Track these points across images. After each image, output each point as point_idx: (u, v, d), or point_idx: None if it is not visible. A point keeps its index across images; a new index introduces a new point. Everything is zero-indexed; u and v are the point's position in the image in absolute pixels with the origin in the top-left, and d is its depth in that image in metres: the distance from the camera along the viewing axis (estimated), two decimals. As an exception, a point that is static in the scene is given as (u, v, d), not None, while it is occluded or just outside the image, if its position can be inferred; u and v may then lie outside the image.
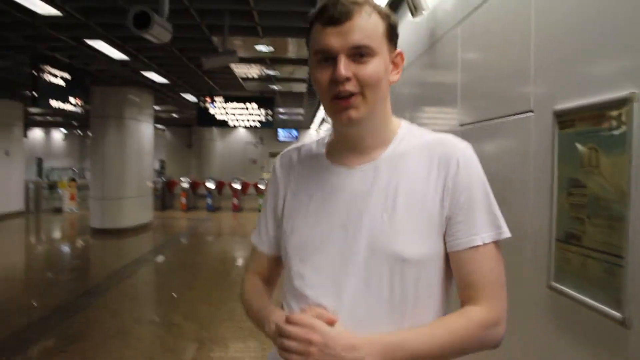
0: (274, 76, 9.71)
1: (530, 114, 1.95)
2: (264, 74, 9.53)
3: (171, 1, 4.91)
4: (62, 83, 8.13)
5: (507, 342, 1.10)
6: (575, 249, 1.58)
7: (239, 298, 1.31)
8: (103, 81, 10.32)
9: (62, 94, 8.25)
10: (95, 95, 10.81)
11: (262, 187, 15.99)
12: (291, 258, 1.16)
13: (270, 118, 11.61)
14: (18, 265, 8.38)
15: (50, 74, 7.79)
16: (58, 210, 15.28)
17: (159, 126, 22.08)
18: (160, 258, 8.97)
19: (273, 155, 22.70)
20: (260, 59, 8.17)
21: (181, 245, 10.64)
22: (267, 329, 1.11)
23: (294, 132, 23.05)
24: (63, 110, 8.37)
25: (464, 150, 1.12)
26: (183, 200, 16.05)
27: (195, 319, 5.19)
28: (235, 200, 16.07)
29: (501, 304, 1.08)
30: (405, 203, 1.07)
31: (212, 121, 11.68)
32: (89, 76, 9.58)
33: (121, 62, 8.21)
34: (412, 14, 3.45)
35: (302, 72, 9.30)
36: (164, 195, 16.20)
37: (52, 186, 17.44)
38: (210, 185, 16.28)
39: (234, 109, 11.44)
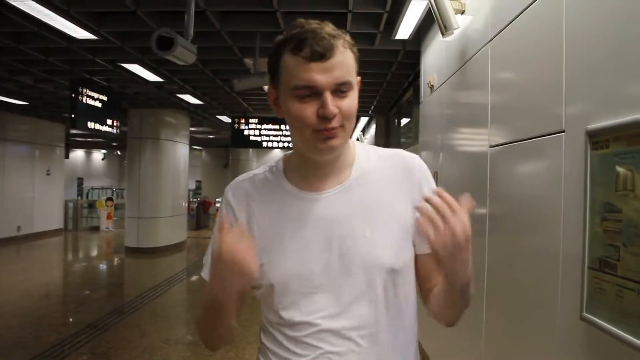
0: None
1: (562, 134, 1.86)
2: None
3: (202, 24, 4.99)
4: (99, 105, 8.31)
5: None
6: (609, 278, 1.48)
7: (196, 333, 1.25)
8: (140, 103, 10.54)
9: (99, 115, 8.43)
10: (133, 116, 11.07)
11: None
12: (280, 291, 1.14)
13: (303, 139, 11.60)
14: (53, 282, 8.52)
15: (88, 96, 7.99)
16: (95, 229, 15.57)
17: (196, 147, 22.43)
18: (192, 277, 8.99)
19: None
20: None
21: (213, 265, 10.64)
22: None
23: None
24: (99, 131, 8.54)
25: (418, 160, 1.24)
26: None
27: (223, 340, 5.10)
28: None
29: None
30: (382, 217, 1.14)
31: (247, 142, 11.74)
32: (127, 98, 9.79)
33: (156, 85, 8.36)
34: (442, 34, 3.39)
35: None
36: (199, 215, 16.36)
37: (91, 205, 17.81)
38: (244, 205, 16.34)
39: (269, 130, 11.51)
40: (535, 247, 2.12)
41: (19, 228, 12.33)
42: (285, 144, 11.65)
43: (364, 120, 13.68)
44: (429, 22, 4.50)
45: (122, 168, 25.37)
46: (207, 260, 1.22)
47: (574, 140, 1.74)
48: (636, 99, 1.41)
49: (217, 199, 16.59)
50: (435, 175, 3.95)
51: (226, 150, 21.79)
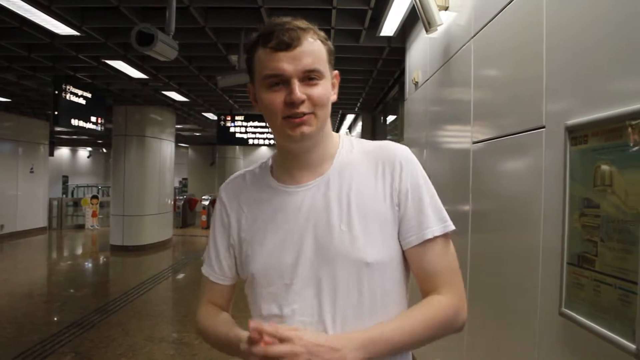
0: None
1: (542, 130, 1.86)
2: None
3: (186, 20, 4.96)
4: (83, 102, 8.23)
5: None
6: (587, 274, 1.48)
7: (195, 329, 1.31)
8: (125, 100, 10.45)
9: (83, 112, 8.35)
10: (118, 114, 10.98)
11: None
12: (259, 282, 1.18)
13: (289, 136, 11.58)
14: (36, 281, 8.42)
15: (72, 93, 7.91)
16: (80, 227, 15.44)
17: (182, 144, 22.30)
18: (177, 275, 8.94)
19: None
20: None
21: (199, 262, 10.54)
22: (242, 349, 1.06)
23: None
24: (83, 128, 8.46)
25: (403, 152, 1.20)
26: (203, 217, 16.08)
27: (207, 338, 5.08)
28: (255, 218, 16.03)
29: (460, 289, 1.17)
30: (359, 211, 1.14)
31: (232, 139, 11.71)
32: (111, 95, 9.70)
33: (141, 82, 8.29)
34: (426, 30, 3.39)
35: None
36: (185, 213, 16.28)
37: (76, 203, 17.66)
38: (231, 203, 16.26)
39: (255, 127, 11.48)
40: (516, 243, 2.13)
41: (2, 227, 12.20)
42: (272, 142, 11.62)
43: (350, 117, 13.68)
44: (414, 18, 4.49)
45: (108, 166, 25.09)
46: (207, 257, 1.30)
47: (554, 136, 1.74)
48: (614, 94, 1.41)
49: (203, 197, 16.48)
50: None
51: (213, 147, 21.67)
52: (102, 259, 10.72)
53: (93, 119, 8.76)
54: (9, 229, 12.44)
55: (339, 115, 13.14)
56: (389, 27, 4.92)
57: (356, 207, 1.14)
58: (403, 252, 1.17)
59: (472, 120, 2.79)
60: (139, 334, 5.41)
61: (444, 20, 3.34)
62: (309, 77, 1.10)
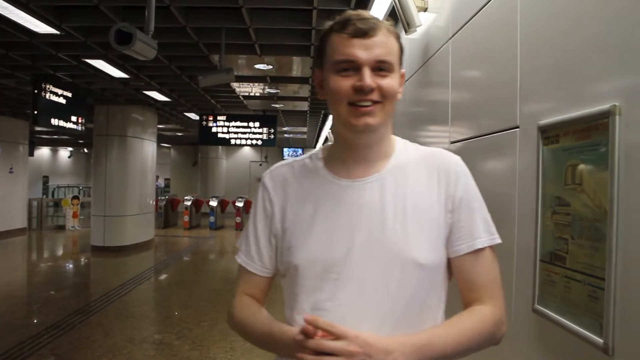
0: (275, 94, 9.72)
1: (517, 130, 1.89)
2: (265, 92, 9.53)
3: (167, 20, 4.94)
4: (63, 101, 8.15)
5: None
6: (559, 270, 1.51)
7: (227, 320, 1.28)
8: (106, 99, 10.37)
9: (63, 112, 8.28)
10: (99, 113, 10.89)
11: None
12: (302, 274, 1.15)
13: (272, 136, 11.60)
14: (15, 282, 8.33)
15: (52, 92, 7.83)
16: (61, 228, 15.27)
17: (164, 144, 22.14)
18: (158, 276, 8.90)
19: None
20: (261, 77, 8.17)
21: (180, 263, 10.57)
22: (287, 341, 1.07)
23: (299, 151, 23.04)
24: (64, 128, 8.37)
25: (459, 161, 1.22)
26: (186, 218, 16.00)
27: (188, 338, 5.13)
28: (238, 219, 16.01)
29: (502, 302, 1.17)
30: (414, 213, 1.13)
31: (215, 139, 11.69)
32: (92, 95, 9.62)
33: (122, 81, 8.24)
34: (405, 31, 3.41)
35: (305, 90, 9.30)
36: (167, 213, 16.19)
37: (57, 204, 17.46)
38: (213, 203, 16.23)
39: (237, 127, 11.46)
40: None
41: (-20, 227, 12.01)
42: (253, 141, 11.61)
43: (331, 117, 13.69)
44: (394, 19, 4.52)
45: (89, 166, 24.82)
46: (244, 245, 1.28)
47: (528, 136, 1.77)
48: (585, 95, 1.44)
49: (185, 197, 16.40)
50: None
51: (195, 147, 21.56)
52: (82, 260, 10.62)
53: (74, 118, 8.68)
54: (-13, 229, 12.25)
55: (321, 116, 13.15)
56: (370, 27, 4.94)
57: (411, 208, 1.13)
58: (448, 260, 1.17)
59: (450, 121, 2.82)
60: (119, 335, 5.37)
61: (423, 21, 3.37)
62: (380, 67, 1.10)
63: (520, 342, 1.80)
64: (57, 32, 5.47)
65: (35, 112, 7.59)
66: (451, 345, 1.07)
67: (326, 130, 15.81)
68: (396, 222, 1.11)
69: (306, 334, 1.00)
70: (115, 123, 10.96)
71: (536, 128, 1.66)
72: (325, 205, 1.16)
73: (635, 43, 1.22)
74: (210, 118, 11.36)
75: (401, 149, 1.23)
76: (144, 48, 3.69)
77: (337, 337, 0.98)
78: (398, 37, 1.16)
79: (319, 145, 21.31)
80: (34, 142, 16.92)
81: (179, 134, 18.31)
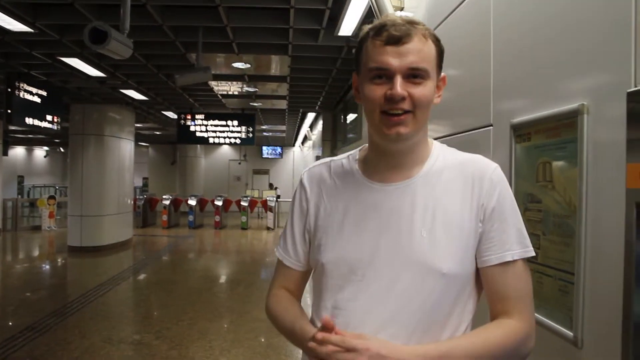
0: (254, 93, 9.69)
1: (490, 128, 1.92)
2: (243, 90, 9.51)
3: (143, 18, 4.90)
4: (38, 100, 8.03)
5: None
6: (532, 266, 1.53)
7: (265, 310, 1.32)
8: (83, 98, 10.24)
9: (38, 111, 8.16)
10: (75, 112, 10.73)
11: (244, 204, 15.88)
12: (328, 272, 1.17)
13: (250, 135, 11.58)
14: (-10, 284, 8.19)
15: (26, 91, 7.70)
16: (37, 229, 15.03)
17: (142, 143, 21.93)
18: (137, 276, 8.82)
19: (257, 172, 22.63)
20: (239, 76, 8.15)
21: (159, 262, 10.48)
22: (309, 345, 1.07)
23: (278, 149, 23.00)
24: (39, 127, 8.26)
25: (496, 169, 1.17)
26: (164, 217, 15.89)
27: (166, 338, 5.09)
28: (217, 218, 15.95)
29: (532, 316, 1.13)
30: (443, 220, 1.11)
31: (192, 138, 11.64)
32: (68, 93, 9.49)
33: (98, 80, 8.15)
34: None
35: (283, 89, 9.29)
36: (145, 213, 16.05)
37: (32, 204, 17.19)
38: (192, 202, 16.14)
39: (215, 126, 11.41)
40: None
41: (-47, 229, 11.76)
42: (232, 140, 11.57)
43: (311, 116, 13.72)
44: (372, 19, 4.55)
45: (66, 165, 24.51)
46: (283, 240, 1.31)
47: (501, 134, 1.80)
48: (555, 94, 1.47)
49: (164, 196, 16.27)
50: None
51: (174, 146, 21.40)
52: (59, 260, 10.47)
53: (49, 117, 8.56)
54: (-40, 231, 12.01)
55: (300, 114, 13.16)
56: (347, 27, 4.97)
57: (440, 215, 1.11)
58: (477, 270, 1.14)
59: (430, 118, 2.84)
60: (96, 336, 5.30)
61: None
62: (414, 74, 1.08)
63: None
64: (31, 30, 5.38)
65: (9, 111, 7.47)
66: (471, 356, 1.04)
67: (304, 129, 15.82)
68: (424, 229, 1.10)
69: (317, 342, 1.02)
70: (92, 122, 10.82)
71: (509, 126, 1.70)
72: (356, 207, 1.17)
73: (603, 44, 1.25)
74: (189, 117, 11.30)
75: (437, 155, 1.20)
76: (119, 47, 3.66)
77: (348, 350, 0.99)
78: (436, 41, 1.14)
79: (297, 143, 21.32)
80: (8, 142, 16.61)
81: (157, 132, 18.17)
